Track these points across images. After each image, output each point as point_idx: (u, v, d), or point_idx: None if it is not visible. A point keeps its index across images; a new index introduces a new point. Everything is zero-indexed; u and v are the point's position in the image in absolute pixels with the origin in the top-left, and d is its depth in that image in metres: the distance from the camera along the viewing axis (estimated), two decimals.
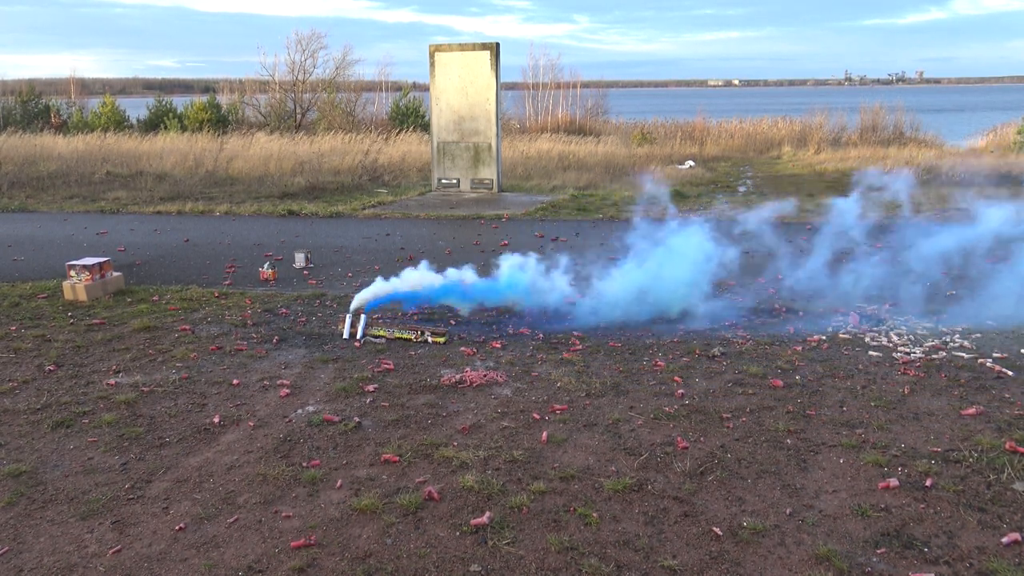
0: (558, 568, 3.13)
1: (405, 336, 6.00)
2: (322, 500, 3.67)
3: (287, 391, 4.97)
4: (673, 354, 5.58)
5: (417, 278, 6.36)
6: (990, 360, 5.32)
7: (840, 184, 14.00)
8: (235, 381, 5.15)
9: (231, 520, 3.51)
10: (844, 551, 3.20)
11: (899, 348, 5.62)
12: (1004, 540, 3.24)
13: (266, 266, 8.26)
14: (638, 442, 4.19)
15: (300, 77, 29.16)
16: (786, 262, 7.88)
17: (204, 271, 8.65)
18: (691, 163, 19.65)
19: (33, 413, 4.70)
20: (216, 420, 4.55)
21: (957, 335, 5.87)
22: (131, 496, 3.73)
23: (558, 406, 4.65)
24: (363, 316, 6.14)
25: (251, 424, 4.50)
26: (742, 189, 15.06)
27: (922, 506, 3.52)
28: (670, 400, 4.74)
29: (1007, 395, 4.74)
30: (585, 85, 31.42)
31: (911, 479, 3.75)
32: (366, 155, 17.88)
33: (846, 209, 8.41)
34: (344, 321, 6.15)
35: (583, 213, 12.21)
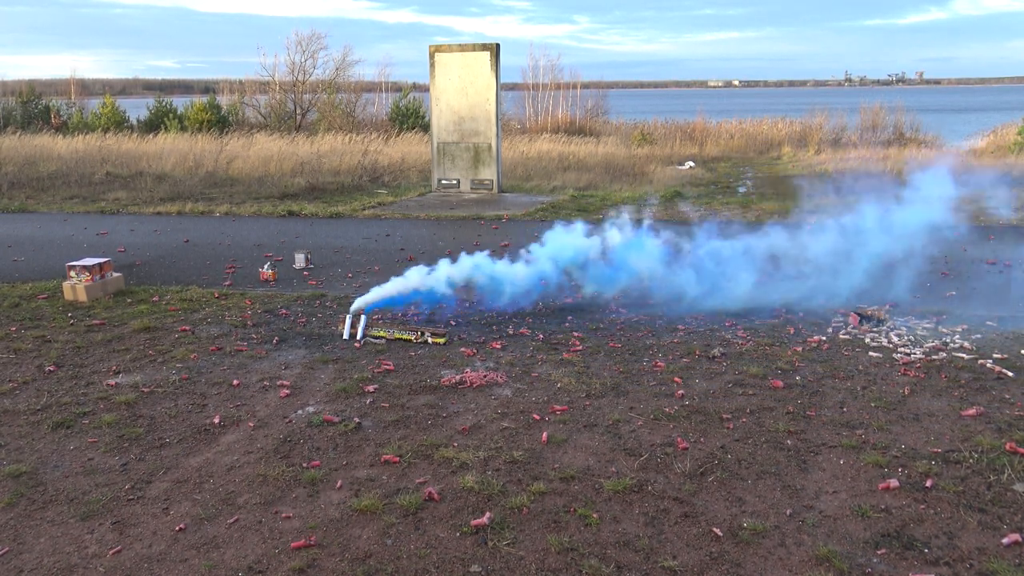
0: (558, 569, 3.13)
1: (405, 337, 6.01)
2: (322, 501, 3.67)
3: (287, 392, 4.97)
4: (673, 355, 5.58)
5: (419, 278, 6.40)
6: (990, 361, 5.32)
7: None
8: (235, 382, 5.15)
9: (231, 521, 3.51)
10: (844, 552, 3.20)
11: (899, 349, 5.62)
12: (1004, 541, 3.24)
13: (266, 267, 8.26)
14: (638, 443, 4.19)
15: (300, 78, 29.19)
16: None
17: (204, 271, 8.65)
18: (691, 163, 19.66)
19: (33, 414, 4.70)
20: (216, 421, 4.55)
21: (957, 336, 5.87)
22: (131, 497, 3.73)
23: (558, 407, 4.65)
24: (363, 317, 6.14)
25: (251, 425, 4.50)
26: (741, 190, 15.08)
27: (922, 507, 3.52)
28: (670, 401, 4.74)
29: (1007, 396, 4.74)
30: (585, 86, 31.46)
31: (911, 480, 3.75)
32: (366, 156, 17.87)
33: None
34: (344, 322, 6.15)
35: (583, 214, 12.20)
